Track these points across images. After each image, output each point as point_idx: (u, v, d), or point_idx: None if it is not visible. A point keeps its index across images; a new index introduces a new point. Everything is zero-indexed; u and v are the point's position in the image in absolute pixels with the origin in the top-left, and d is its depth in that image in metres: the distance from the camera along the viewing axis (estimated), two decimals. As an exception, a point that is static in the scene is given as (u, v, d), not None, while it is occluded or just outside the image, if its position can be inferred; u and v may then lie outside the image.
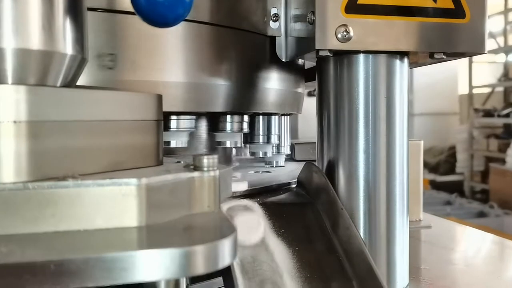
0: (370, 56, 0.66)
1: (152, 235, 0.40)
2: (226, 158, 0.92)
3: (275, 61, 0.75)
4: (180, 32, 0.68)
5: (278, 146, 0.91)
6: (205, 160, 0.48)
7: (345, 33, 0.62)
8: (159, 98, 0.54)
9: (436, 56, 0.66)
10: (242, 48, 0.73)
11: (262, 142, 0.82)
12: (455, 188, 6.29)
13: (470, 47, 0.66)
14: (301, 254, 0.54)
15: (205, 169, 0.48)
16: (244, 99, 0.75)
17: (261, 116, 0.88)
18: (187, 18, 0.70)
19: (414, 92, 7.07)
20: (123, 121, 0.49)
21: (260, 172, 0.82)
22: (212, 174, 0.48)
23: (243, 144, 0.90)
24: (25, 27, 0.42)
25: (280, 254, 0.54)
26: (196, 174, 0.46)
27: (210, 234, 0.39)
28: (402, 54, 0.68)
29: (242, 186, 0.61)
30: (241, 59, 0.73)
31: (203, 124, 0.78)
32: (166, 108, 0.67)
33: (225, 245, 0.38)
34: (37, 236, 0.38)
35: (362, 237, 0.67)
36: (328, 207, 0.60)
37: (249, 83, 0.75)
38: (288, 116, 0.94)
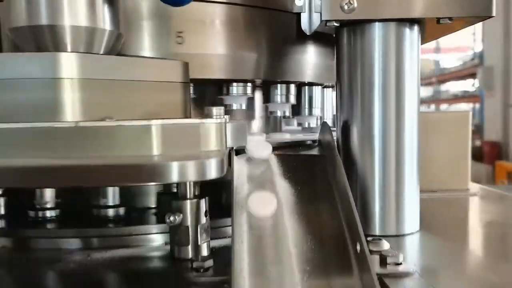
0: (380, 24, 0.74)
1: (163, 157, 0.53)
2: (274, 126, 1.05)
3: (303, 35, 0.85)
4: (224, 15, 0.82)
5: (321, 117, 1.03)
6: (214, 110, 0.60)
7: (349, 4, 0.70)
8: (185, 65, 0.68)
9: (441, 21, 0.72)
10: (273, 25, 0.85)
11: (307, 114, 0.96)
12: None
13: (475, 10, 0.70)
14: (302, 193, 0.65)
15: (214, 117, 0.60)
16: (278, 69, 0.87)
17: (307, 90, 0.99)
18: (224, 1, 0.83)
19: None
20: (152, 82, 0.63)
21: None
22: (217, 121, 0.60)
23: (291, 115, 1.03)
24: (76, 9, 0.57)
25: (284, 191, 0.65)
26: (203, 120, 0.59)
27: (200, 158, 0.52)
28: (411, 23, 0.74)
29: (267, 147, 0.71)
30: (273, 34, 0.85)
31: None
32: (215, 76, 0.81)
33: (211, 163, 0.51)
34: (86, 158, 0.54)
35: (376, 184, 0.75)
36: (329, 155, 0.70)
37: (281, 55, 0.86)
38: (331, 89, 1.04)
